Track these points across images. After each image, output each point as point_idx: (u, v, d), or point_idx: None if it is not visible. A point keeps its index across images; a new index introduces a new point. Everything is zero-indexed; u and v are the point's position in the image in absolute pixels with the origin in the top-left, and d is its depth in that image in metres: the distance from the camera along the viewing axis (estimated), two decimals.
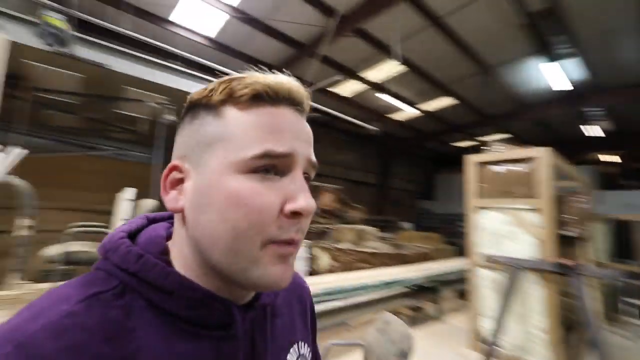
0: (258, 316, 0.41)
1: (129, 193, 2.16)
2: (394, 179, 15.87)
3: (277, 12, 6.17)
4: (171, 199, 0.37)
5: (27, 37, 1.87)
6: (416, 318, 3.91)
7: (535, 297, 2.88)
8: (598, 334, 2.50)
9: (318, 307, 3.22)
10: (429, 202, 17.39)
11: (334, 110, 11.25)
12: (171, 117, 3.02)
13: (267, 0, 5.89)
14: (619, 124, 10.95)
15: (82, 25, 4.88)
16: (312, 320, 0.54)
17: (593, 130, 11.10)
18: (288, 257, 0.35)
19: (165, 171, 0.37)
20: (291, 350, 0.45)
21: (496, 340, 2.93)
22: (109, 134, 4.50)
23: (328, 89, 9.47)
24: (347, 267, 4.94)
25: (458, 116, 11.32)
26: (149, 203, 2.34)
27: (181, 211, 0.36)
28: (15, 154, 1.73)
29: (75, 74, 2.49)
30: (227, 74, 0.37)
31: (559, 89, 8.24)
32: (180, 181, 0.37)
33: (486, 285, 3.19)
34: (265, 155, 0.33)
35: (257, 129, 0.34)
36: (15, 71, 2.26)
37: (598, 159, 13.70)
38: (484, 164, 3.39)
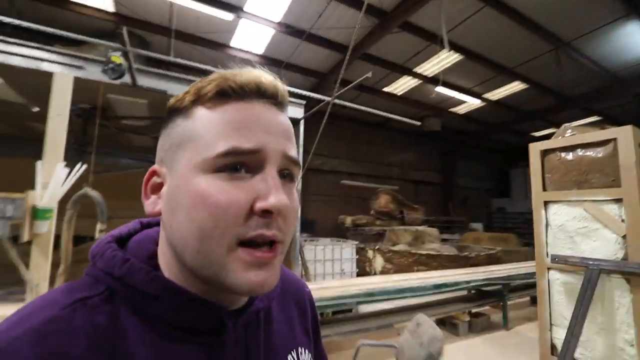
0: (251, 322, 0.39)
1: None
2: (460, 177, 14.77)
3: (320, 20, 6.32)
4: (150, 203, 0.36)
5: (97, 74, 2.26)
6: (475, 324, 3.56)
7: (622, 304, 2.41)
8: None
9: (363, 307, 3.17)
10: (502, 199, 15.75)
11: (388, 109, 11.03)
12: None
13: (309, 11, 6.07)
14: None
15: (150, 60, 5.70)
16: (313, 323, 0.52)
17: None
18: (264, 264, 0.33)
19: (146, 176, 0.37)
20: (289, 357, 0.43)
21: (570, 354, 2.52)
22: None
23: (382, 89, 9.32)
24: (402, 270, 4.77)
25: (532, 102, 10.09)
26: None
27: (159, 215, 0.36)
28: (80, 169, 2.12)
29: (141, 100, 2.92)
30: None
31: None
32: (160, 186, 0.36)
33: (558, 290, 2.78)
34: (231, 152, 0.32)
35: (222, 126, 0.33)
36: (95, 104, 2.75)
37: None
38: (552, 151, 2.98)
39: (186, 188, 0.32)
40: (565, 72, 7.83)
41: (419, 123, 3.63)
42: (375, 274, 5.31)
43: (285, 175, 0.36)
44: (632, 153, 2.48)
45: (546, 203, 2.96)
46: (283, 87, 0.37)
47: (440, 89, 8.88)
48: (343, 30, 6.53)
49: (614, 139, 2.57)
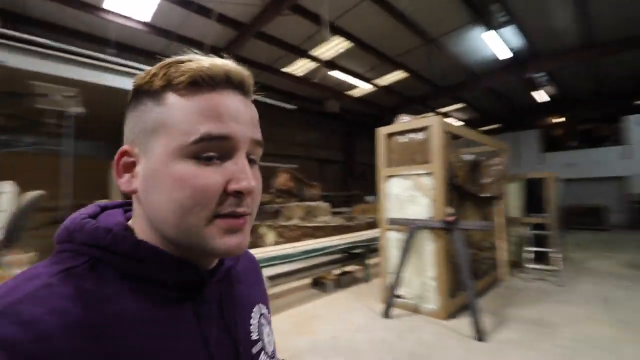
0: (223, 279, 0.45)
1: (7, 186, 2.24)
2: (360, 155, 16.20)
3: None
4: (125, 182, 0.39)
5: None
6: (343, 281, 4.28)
7: (428, 251, 3.23)
8: (469, 278, 2.88)
9: None
10: None
11: (290, 90, 11.24)
12: (78, 109, 3.06)
13: None
14: (562, 88, 11.55)
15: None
16: (263, 286, 0.61)
17: (540, 96, 11.64)
18: (237, 230, 0.37)
19: (117, 156, 0.39)
20: (254, 309, 0.51)
21: (397, 292, 3.29)
22: (23, 129, 4.44)
23: (281, 69, 9.45)
24: (292, 242, 5.21)
25: (414, 89, 11.57)
26: (31, 195, 2.43)
27: (135, 192, 0.39)
28: None
29: None
30: (166, 56, 0.40)
31: (502, 57, 8.55)
32: (133, 164, 0.39)
33: (393, 245, 3.52)
34: (204, 138, 0.35)
35: (196, 114, 0.35)
36: None
37: (546, 123, 14.45)
38: (393, 134, 3.64)
39: (165, 172, 0.36)
40: (436, 64, 9.21)
41: (291, 106, 3.92)
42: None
43: (251, 160, 0.40)
44: (439, 137, 3.22)
45: (388, 177, 3.63)
46: (249, 77, 0.40)
47: (335, 73, 9.49)
48: (236, 5, 6.38)
49: (429, 127, 3.29)
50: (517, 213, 5.62)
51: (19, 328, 0.28)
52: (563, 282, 4.60)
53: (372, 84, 10.82)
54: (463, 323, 3.07)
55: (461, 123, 15.42)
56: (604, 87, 11.39)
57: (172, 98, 0.36)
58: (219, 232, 0.37)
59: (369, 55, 8.76)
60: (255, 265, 0.59)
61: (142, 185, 0.38)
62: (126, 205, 0.47)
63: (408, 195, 3.41)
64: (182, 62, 0.37)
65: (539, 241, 5.11)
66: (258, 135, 0.41)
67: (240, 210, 0.37)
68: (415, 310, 3.34)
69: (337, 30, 7.40)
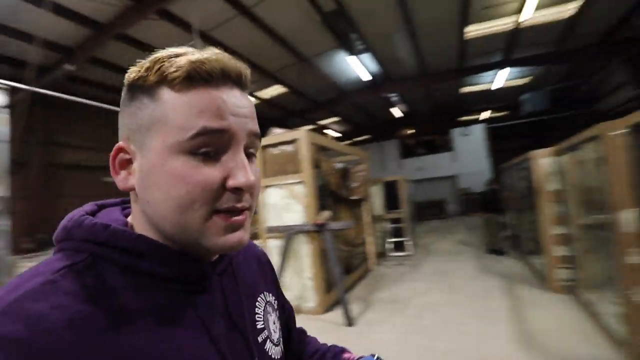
0: (225, 270, 0.45)
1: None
2: None
3: None
4: (122, 179, 0.38)
5: None
6: None
7: (305, 253, 3.51)
8: (338, 274, 3.27)
9: None
10: None
11: None
12: None
13: None
14: (411, 107, 14.26)
15: None
16: (271, 274, 0.60)
17: (396, 112, 14.04)
18: (237, 227, 0.37)
19: (112, 153, 0.38)
20: (259, 298, 0.51)
21: None
22: None
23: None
24: None
25: (295, 103, 12.26)
26: None
27: (132, 189, 0.38)
28: None
29: None
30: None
31: (365, 79, 9.95)
32: (129, 161, 0.38)
33: (274, 253, 3.67)
34: (202, 133, 0.34)
35: (192, 109, 0.35)
36: None
37: (402, 134, 17.50)
38: (268, 146, 3.80)
39: (162, 168, 0.35)
40: (311, 81, 10.04)
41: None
42: None
43: (250, 154, 0.40)
44: (307, 149, 3.53)
45: (265, 187, 3.76)
46: (245, 70, 0.39)
47: None
48: (96, 5, 5.55)
49: (297, 139, 3.58)
50: (381, 211, 6.63)
51: (22, 325, 0.28)
52: (415, 263, 5.66)
53: (254, 96, 10.96)
54: (337, 314, 3.44)
55: (338, 134, 17.12)
56: (438, 106, 14.59)
57: (167, 94, 0.35)
58: (219, 229, 0.36)
59: (249, 68, 8.87)
60: (258, 254, 0.60)
61: (139, 182, 0.37)
62: (123, 203, 0.47)
63: (284, 203, 3.63)
64: (177, 55, 0.36)
65: (397, 232, 6.15)
66: (256, 127, 0.40)
67: (239, 205, 0.37)
68: (297, 310, 3.54)
69: (211, 41, 7.26)
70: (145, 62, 0.37)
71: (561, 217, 3.42)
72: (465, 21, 7.35)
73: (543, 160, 3.57)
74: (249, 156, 0.40)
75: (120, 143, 0.39)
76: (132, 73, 0.38)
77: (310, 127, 15.45)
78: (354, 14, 7.02)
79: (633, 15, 7.16)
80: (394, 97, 12.31)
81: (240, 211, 0.37)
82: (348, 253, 5.16)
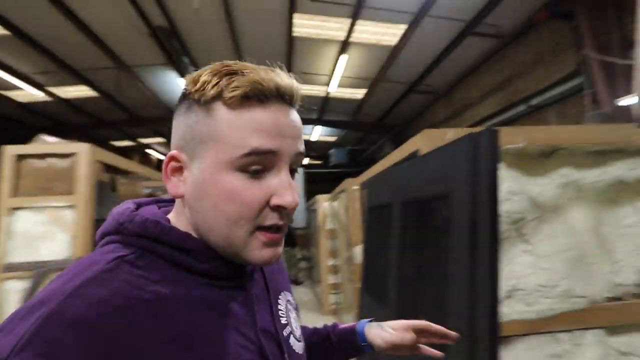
0: (254, 270, 0.50)
1: None
2: None
3: None
4: (173, 185, 0.43)
5: None
6: None
7: None
8: None
9: None
10: None
11: None
12: None
13: None
14: None
15: None
16: (287, 275, 0.64)
17: None
18: (275, 243, 0.42)
19: (166, 160, 0.42)
20: (280, 296, 0.55)
21: None
22: None
23: None
24: None
25: (108, 111, 10.36)
26: None
27: (182, 197, 0.42)
28: None
29: None
30: None
31: None
32: (180, 169, 0.42)
33: (14, 300, 2.75)
34: (253, 153, 0.38)
35: (245, 128, 0.38)
36: None
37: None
38: (27, 157, 2.96)
39: (213, 182, 0.39)
40: (132, 92, 8.83)
41: None
42: None
43: (292, 170, 0.43)
44: (88, 166, 2.98)
45: (12, 210, 2.87)
46: (298, 88, 0.43)
47: None
48: None
49: (76, 153, 2.99)
50: None
51: (87, 308, 0.31)
52: None
53: (45, 91, 8.57)
54: None
55: (163, 157, 15.55)
56: None
57: (222, 110, 0.38)
58: (259, 244, 0.41)
59: (40, 55, 6.94)
60: None
61: (189, 191, 0.41)
62: (157, 202, 0.51)
63: (42, 231, 2.84)
64: (234, 72, 0.39)
65: None
66: (302, 147, 0.43)
67: (281, 223, 0.41)
68: None
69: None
70: (203, 75, 0.39)
71: (333, 250, 4.23)
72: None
73: (324, 204, 4.39)
74: (292, 172, 0.43)
75: (174, 152, 0.42)
76: (189, 84, 0.40)
77: (129, 143, 13.35)
78: (187, 38, 6.88)
79: (394, 108, 10.36)
80: None
81: (279, 228, 0.41)
82: None
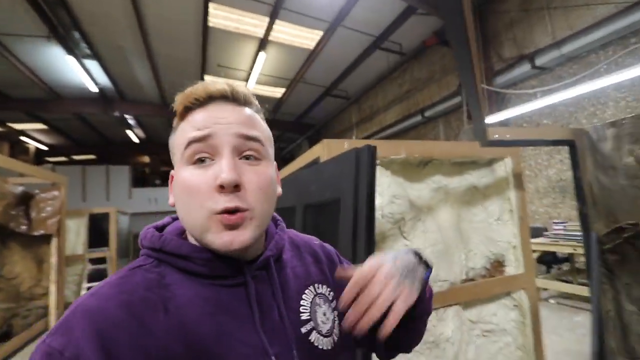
0: (264, 267, 0.50)
1: None
2: None
3: None
4: (170, 198, 0.49)
5: None
6: None
7: None
8: None
9: None
10: None
11: None
12: None
13: None
14: (149, 133, 13.36)
15: None
16: (329, 263, 0.62)
17: (133, 136, 12.60)
18: (233, 226, 0.42)
19: (169, 179, 0.50)
20: (306, 291, 0.54)
21: None
22: None
23: None
24: None
25: None
26: None
27: (174, 205, 0.48)
28: None
29: None
30: None
31: (91, 89, 8.26)
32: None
33: None
34: (190, 142, 0.44)
35: (187, 128, 0.45)
36: None
37: (138, 161, 15.91)
38: None
39: (177, 181, 0.46)
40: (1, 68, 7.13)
41: None
42: None
43: (249, 157, 0.46)
44: None
45: None
46: (234, 88, 0.47)
47: None
48: None
49: None
50: (81, 250, 5.42)
51: (97, 301, 0.39)
52: None
53: None
54: None
55: (43, 147, 12.99)
56: None
57: (178, 125, 0.47)
58: (217, 228, 0.42)
59: None
60: (315, 248, 0.63)
61: (174, 197, 0.47)
62: None
63: None
64: (178, 96, 0.47)
65: (100, 275, 5.20)
66: (246, 130, 0.46)
67: (231, 205, 0.42)
68: None
69: None
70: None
71: None
72: (204, 70, 8.07)
73: None
74: (248, 158, 0.45)
75: (172, 171, 0.50)
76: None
77: None
78: (78, 8, 5.89)
79: (312, 109, 10.73)
80: (129, 118, 11.08)
81: (233, 211, 0.42)
82: (8, 311, 3.73)
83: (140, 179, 15.43)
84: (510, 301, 1.70)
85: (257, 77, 8.05)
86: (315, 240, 0.66)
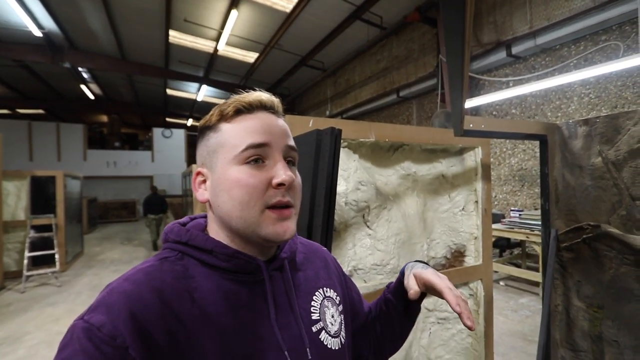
0: (279, 267, 0.55)
1: None
2: None
3: None
4: (200, 194, 0.52)
5: None
6: None
7: None
8: None
9: None
10: None
11: None
12: None
13: None
14: (107, 90, 12.20)
15: None
16: (336, 270, 0.68)
17: (87, 91, 11.43)
18: (285, 218, 0.48)
19: (193, 176, 0.53)
20: (316, 293, 0.59)
21: None
22: None
23: None
24: None
25: None
26: None
27: (208, 201, 0.51)
28: None
29: None
30: None
31: (35, 34, 7.21)
32: (204, 181, 0.52)
33: None
34: (249, 147, 0.48)
35: (241, 132, 0.49)
36: None
37: (93, 120, 14.63)
38: None
39: (225, 178, 0.48)
40: None
41: None
42: None
43: (289, 162, 0.52)
44: None
45: None
46: (277, 101, 0.54)
47: None
48: None
49: None
50: (23, 215, 4.95)
51: (131, 285, 0.43)
52: (63, 281, 4.64)
53: None
54: None
55: None
56: (142, 99, 13.50)
57: (224, 125, 0.50)
58: (271, 220, 0.48)
59: None
60: (324, 254, 0.68)
61: (211, 193, 0.50)
62: (206, 217, 0.57)
63: None
64: (228, 101, 0.51)
65: (45, 243, 4.81)
66: (291, 142, 0.53)
67: (285, 199, 0.48)
68: None
69: None
70: (211, 112, 0.52)
71: None
72: (169, 24, 7.32)
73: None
74: (289, 163, 0.52)
75: (198, 169, 0.53)
76: (202, 121, 0.53)
77: None
78: None
79: (287, 77, 10.28)
80: (83, 71, 9.99)
81: (286, 205, 0.48)
82: None
83: (99, 140, 14.30)
84: (466, 290, 1.71)
85: (228, 37, 7.45)
86: (322, 247, 0.73)
